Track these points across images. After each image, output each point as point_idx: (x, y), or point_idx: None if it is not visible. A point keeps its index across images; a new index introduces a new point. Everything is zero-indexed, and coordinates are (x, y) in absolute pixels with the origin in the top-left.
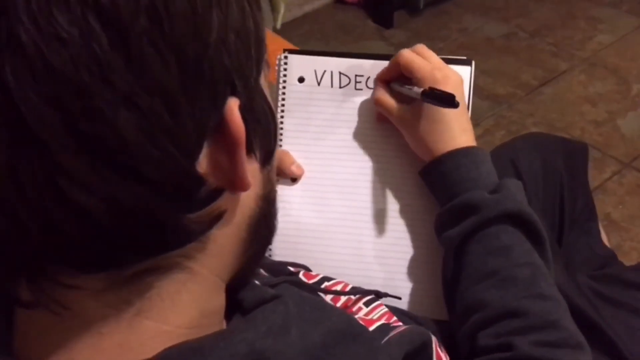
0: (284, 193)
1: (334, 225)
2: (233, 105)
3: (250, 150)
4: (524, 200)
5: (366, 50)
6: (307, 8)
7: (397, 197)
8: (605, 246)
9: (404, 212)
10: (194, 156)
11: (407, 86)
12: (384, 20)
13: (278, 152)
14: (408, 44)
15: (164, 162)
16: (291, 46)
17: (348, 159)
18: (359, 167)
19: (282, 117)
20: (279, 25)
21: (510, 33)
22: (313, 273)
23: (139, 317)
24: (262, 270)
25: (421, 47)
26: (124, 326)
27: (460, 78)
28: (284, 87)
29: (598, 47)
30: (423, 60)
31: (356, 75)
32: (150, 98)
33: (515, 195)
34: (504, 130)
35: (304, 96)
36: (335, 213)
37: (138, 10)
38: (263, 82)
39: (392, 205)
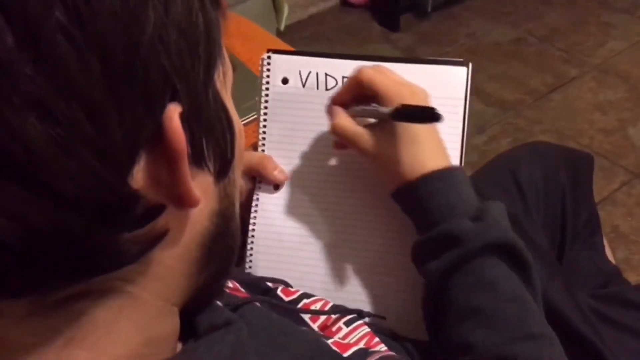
0: (266, 201)
1: (316, 237)
2: (172, 112)
3: (200, 162)
4: (508, 226)
5: (371, 54)
6: (312, 10)
7: (383, 210)
8: (609, 262)
9: (389, 227)
10: (125, 170)
11: (368, 107)
12: (391, 24)
13: (260, 157)
14: (415, 48)
15: (85, 179)
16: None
17: (334, 165)
18: (345, 176)
19: (264, 120)
20: (282, 27)
21: (519, 38)
22: (292, 289)
23: (69, 347)
24: (238, 286)
25: (380, 66)
26: (51, 357)
27: (426, 93)
28: (267, 89)
29: (610, 53)
30: (386, 77)
31: (343, 77)
32: (67, 104)
33: (499, 222)
34: (510, 137)
35: (288, 98)
36: (319, 224)
37: (51, 2)
38: (220, 85)
39: (377, 219)
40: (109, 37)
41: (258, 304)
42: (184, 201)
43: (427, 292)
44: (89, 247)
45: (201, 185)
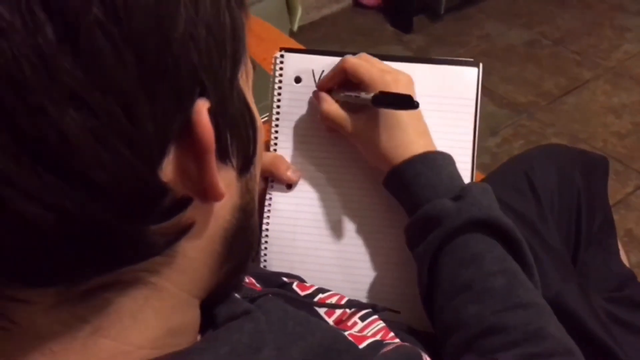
0: (279, 200)
1: (329, 235)
2: (201, 107)
3: (225, 157)
4: (493, 204)
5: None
6: (325, 11)
7: (391, 205)
8: (624, 265)
9: (402, 223)
10: (155, 162)
11: (353, 93)
12: (403, 25)
13: (272, 157)
14: (427, 50)
15: (118, 169)
16: None
17: (346, 165)
18: (356, 174)
19: (277, 119)
20: (295, 28)
21: (533, 40)
22: (308, 284)
23: (95, 336)
24: (254, 281)
25: (365, 55)
26: (78, 345)
27: (410, 79)
28: (279, 88)
29: (624, 56)
30: (370, 64)
31: None
32: (103, 97)
33: (480, 200)
34: (523, 140)
35: (300, 97)
36: (332, 222)
37: None
38: (243, 83)
39: (391, 215)
40: (143, 33)
41: (274, 297)
42: (209, 195)
43: (420, 276)
44: (119, 238)
45: (225, 180)
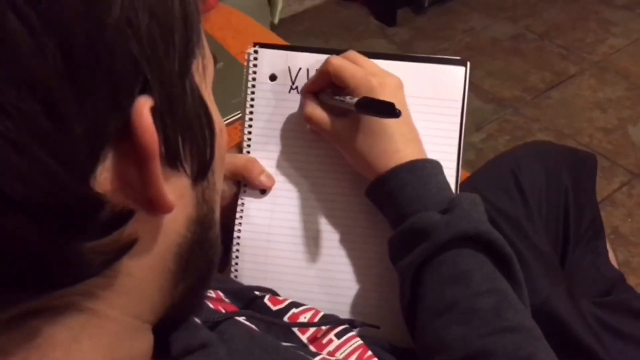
0: (252, 206)
1: (305, 244)
2: (143, 105)
3: (175, 163)
4: (482, 217)
5: (368, 49)
6: (308, 4)
7: (374, 215)
8: (612, 267)
9: (384, 233)
10: (86, 171)
11: (338, 97)
12: (387, 18)
13: (244, 159)
14: (411, 43)
15: (37, 178)
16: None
17: (326, 170)
18: (337, 180)
19: (250, 119)
20: (276, 21)
21: (518, 34)
22: (280, 298)
23: None
24: (222, 296)
25: (352, 53)
26: None
27: (399, 83)
28: (253, 86)
29: (610, 50)
30: (355, 66)
31: None
32: (17, 92)
33: (470, 213)
34: (508, 135)
35: (275, 96)
36: (308, 230)
37: None
38: (200, 78)
39: (372, 225)
40: (69, 17)
41: (241, 319)
42: (155, 206)
43: (403, 291)
44: (46, 258)
45: (176, 189)
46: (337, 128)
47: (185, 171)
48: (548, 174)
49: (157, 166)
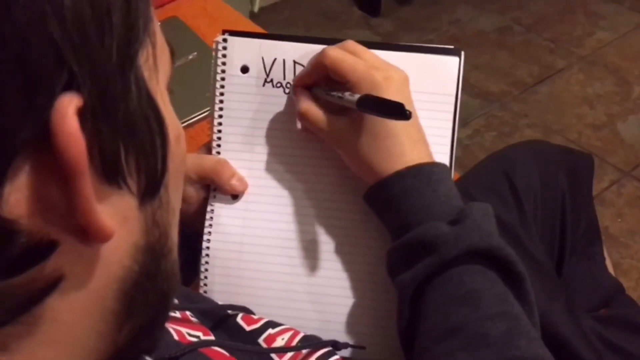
0: (222, 213)
1: (283, 255)
2: (66, 105)
3: (115, 179)
4: (494, 230)
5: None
6: None
7: (367, 223)
8: (610, 276)
9: (375, 243)
10: None
11: (336, 92)
12: (371, 8)
13: (214, 161)
14: (396, 34)
15: None
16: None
17: (304, 171)
18: (320, 183)
19: (220, 116)
20: (256, 9)
21: (505, 26)
22: (255, 317)
23: None
24: (189, 316)
25: (351, 43)
26: None
27: (405, 77)
28: (222, 79)
29: (598, 44)
30: (355, 58)
31: None
32: None
33: (481, 225)
34: (495, 131)
35: (248, 90)
36: (286, 240)
37: None
38: (149, 73)
39: (360, 233)
40: None
41: (207, 349)
42: (88, 234)
43: (401, 308)
44: None
45: (117, 211)
46: (336, 127)
47: (129, 188)
48: (543, 177)
49: (87, 183)
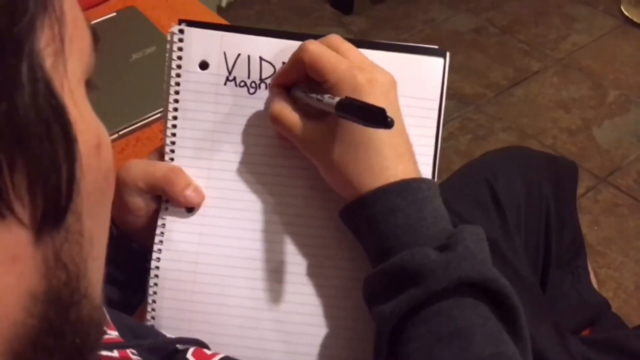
0: (175, 228)
1: (245, 277)
2: None
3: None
4: (487, 258)
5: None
6: None
7: (330, 244)
8: (595, 292)
9: (336, 265)
10: None
11: (314, 94)
12: (344, 5)
13: (166, 169)
14: (369, 33)
15: None
16: None
17: (272, 180)
18: (281, 195)
19: (174, 117)
20: (224, 4)
21: (480, 27)
22: (209, 351)
23: None
24: (129, 354)
25: (335, 38)
26: None
27: (392, 80)
28: (177, 76)
29: (572, 47)
30: (338, 56)
31: (284, 63)
32: None
33: (474, 252)
34: (470, 134)
35: (207, 89)
36: (249, 260)
37: None
38: (52, 62)
39: (322, 253)
40: None
41: None
42: None
43: (379, 345)
44: None
45: (4, 249)
46: (311, 133)
47: (17, 218)
48: (527, 185)
49: None
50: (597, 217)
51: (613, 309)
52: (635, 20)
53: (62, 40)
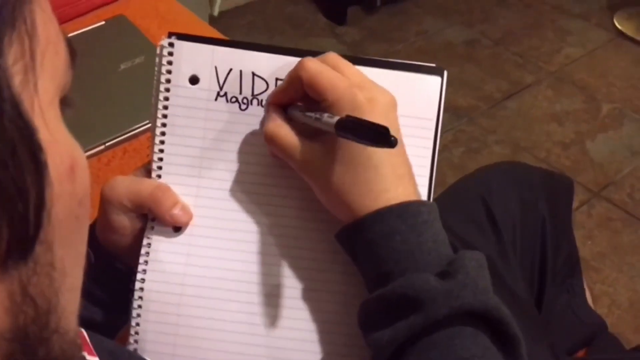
0: (161, 248)
1: (235, 301)
2: None
3: None
4: (489, 287)
5: (315, 48)
6: None
7: (325, 267)
8: (591, 311)
9: (331, 289)
10: None
11: (312, 113)
12: (337, 16)
13: (153, 187)
14: (362, 44)
15: None
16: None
17: (258, 202)
18: (273, 216)
19: (162, 133)
20: (216, 13)
21: (473, 39)
22: None
23: None
24: None
25: (333, 56)
26: None
27: (392, 100)
28: (167, 90)
29: (566, 60)
30: (337, 74)
31: (277, 80)
32: None
33: (476, 280)
34: (463, 147)
35: (197, 105)
36: (239, 282)
37: None
38: (22, 78)
39: (317, 277)
40: None
41: None
42: None
43: None
44: None
45: None
46: (307, 154)
47: None
48: (523, 203)
49: None
50: (591, 232)
51: (607, 325)
52: (628, 33)
53: (32, 56)
